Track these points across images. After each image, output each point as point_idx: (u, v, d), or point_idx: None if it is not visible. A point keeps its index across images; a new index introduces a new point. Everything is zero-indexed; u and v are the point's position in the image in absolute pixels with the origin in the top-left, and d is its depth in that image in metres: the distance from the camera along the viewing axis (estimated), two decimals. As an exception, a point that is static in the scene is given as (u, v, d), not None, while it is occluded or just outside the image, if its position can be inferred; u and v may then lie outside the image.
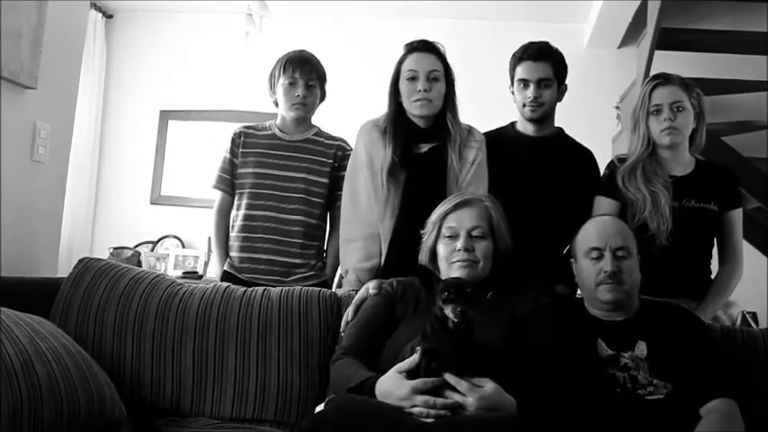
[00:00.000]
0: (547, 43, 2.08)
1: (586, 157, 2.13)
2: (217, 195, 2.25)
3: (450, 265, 1.59)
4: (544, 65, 2.03)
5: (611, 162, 2.05)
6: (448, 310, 1.34)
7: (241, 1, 3.82)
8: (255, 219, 2.12)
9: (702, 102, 1.99)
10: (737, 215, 1.98)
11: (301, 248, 2.13)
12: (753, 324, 3.23)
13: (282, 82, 2.14)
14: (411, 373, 1.35)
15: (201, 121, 4.32)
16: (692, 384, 1.47)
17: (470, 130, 1.98)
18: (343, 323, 1.73)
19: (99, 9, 4.38)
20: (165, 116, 4.48)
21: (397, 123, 1.91)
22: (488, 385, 1.31)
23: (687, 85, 1.97)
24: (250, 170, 2.15)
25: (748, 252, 2.30)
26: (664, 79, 1.98)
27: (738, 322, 3.27)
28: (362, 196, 1.93)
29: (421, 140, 1.91)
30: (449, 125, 1.90)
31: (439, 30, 4.31)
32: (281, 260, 2.11)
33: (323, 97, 2.25)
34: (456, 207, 1.64)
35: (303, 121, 2.20)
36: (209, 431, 1.59)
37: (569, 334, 1.56)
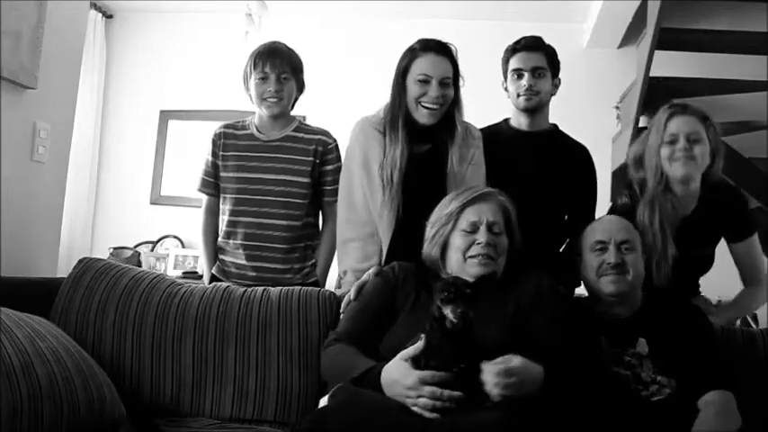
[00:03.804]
0: (539, 37, 2.09)
1: (581, 153, 2.13)
2: (203, 197, 2.21)
3: (467, 260, 1.56)
4: (537, 54, 2.04)
5: (628, 186, 1.97)
6: (447, 311, 1.32)
7: (241, 1, 3.82)
8: (237, 225, 2.08)
9: (719, 137, 1.88)
10: (752, 242, 1.94)
11: (285, 253, 2.07)
12: (753, 324, 3.23)
13: (254, 78, 2.05)
14: (415, 361, 1.33)
15: (201, 121, 4.32)
16: (693, 377, 1.47)
17: (468, 127, 1.95)
18: (343, 304, 1.73)
19: (99, 9, 4.38)
20: (165, 116, 4.48)
21: (404, 120, 1.85)
22: (515, 360, 1.29)
23: (705, 117, 1.87)
24: (230, 174, 2.09)
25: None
26: (681, 108, 1.87)
27: (738, 322, 3.26)
28: (358, 196, 1.88)
29: (420, 139, 1.88)
30: (456, 126, 1.87)
31: (439, 30, 4.30)
32: (266, 266, 2.07)
33: (301, 89, 2.15)
34: (475, 200, 1.60)
35: (281, 116, 2.11)
36: (209, 431, 1.59)
37: (572, 332, 1.56)
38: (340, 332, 1.59)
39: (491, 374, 1.28)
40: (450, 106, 1.86)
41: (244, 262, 2.08)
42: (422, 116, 1.83)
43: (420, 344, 1.34)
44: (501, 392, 1.27)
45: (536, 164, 2.03)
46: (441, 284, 1.37)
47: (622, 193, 1.98)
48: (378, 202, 1.83)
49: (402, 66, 1.86)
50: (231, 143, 2.12)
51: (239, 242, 2.08)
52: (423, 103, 1.82)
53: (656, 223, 1.81)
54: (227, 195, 2.11)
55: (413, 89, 1.83)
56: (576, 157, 2.11)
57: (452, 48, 1.86)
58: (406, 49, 1.88)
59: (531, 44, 2.06)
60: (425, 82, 1.81)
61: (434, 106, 1.81)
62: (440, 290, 1.36)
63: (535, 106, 2.05)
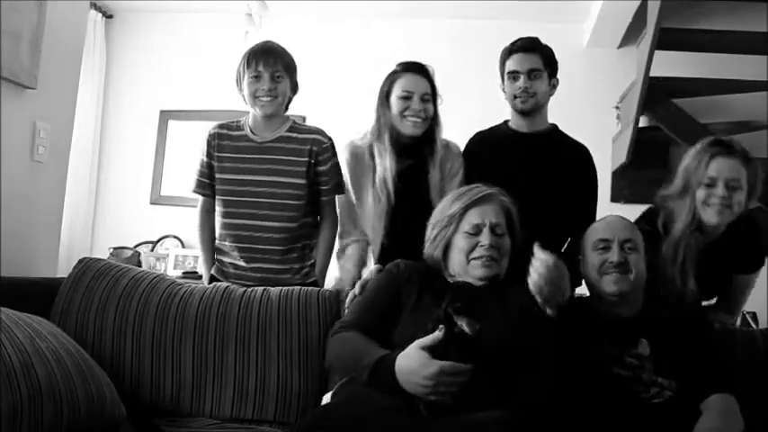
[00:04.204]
0: (536, 38, 2.09)
1: (581, 153, 2.13)
2: (198, 197, 2.20)
3: (471, 262, 1.56)
4: (533, 56, 2.04)
5: (653, 213, 1.90)
6: (462, 323, 1.32)
7: (241, 1, 3.82)
8: (233, 227, 2.07)
9: (759, 174, 1.78)
10: (752, 277, 1.93)
11: (282, 254, 2.07)
12: (753, 324, 3.23)
13: (247, 77, 2.03)
14: (432, 351, 1.32)
15: (201, 121, 4.30)
16: (694, 380, 1.47)
17: (448, 144, 2.09)
18: (348, 300, 1.74)
19: (99, 9, 4.38)
20: (165, 116, 4.48)
21: (390, 136, 2.01)
22: (551, 260, 1.46)
23: (749, 159, 1.76)
24: (225, 176, 2.08)
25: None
26: (725, 148, 1.76)
27: (738, 322, 3.27)
28: (354, 212, 2.07)
29: (403, 155, 2.03)
30: (436, 141, 2.03)
31: (439, 30, 4.34)
32: (264, 267, 2.06)
33: (294, 89, 2.14)
34: (478, 201, 1.60)
35: (275, 117, 2.09)
36: (209, 431, 1.59)
37: (573, 333, 1.56)
38: (346, 321, 1.58)
39: (541, 262, 1.46)
40: (431, 123, 2.02)
41: (241, 263, 2.08)
42: (407, 127, 1.99)
43: (438, 334, 1.32)
44: (540, 284, 1.46)
45: (535, 165, 2.04)
46: (453, 292, 1.37)
47: (641, 220, 1.88)
48: (369, 220, 2.02)
49: (385, 88, 2.04)
50: (226, 144, 2.11)
51: (236, 244, 2.07)
52: (407, 117, 1.99)
53: (678, 261, 1.78)
54: (223, 197, 2.10)
55: (396, 106, 2.00)
56: (576, 158, 2.11)
57: (429, 68, 2.04)
58: (387, 74, 2.06)
59: (527, 46, 2.05)
60: (407, 98, 1.99)
61: (418, 118, 1.98)
62: (453, 298, 1.35)
63: (532, 108, 2.06)
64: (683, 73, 3.50)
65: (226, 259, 2.12)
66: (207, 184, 2.15)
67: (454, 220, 1.60)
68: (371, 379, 1.36)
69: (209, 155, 2.12)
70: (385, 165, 1.98)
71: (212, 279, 2.13)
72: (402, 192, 1.99)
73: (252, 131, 2.11)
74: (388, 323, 1.53)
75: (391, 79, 2.03)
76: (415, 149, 2.03)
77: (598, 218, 1.83)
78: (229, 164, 2.09)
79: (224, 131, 2.12)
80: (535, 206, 1.95)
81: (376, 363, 1.37)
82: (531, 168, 2.03)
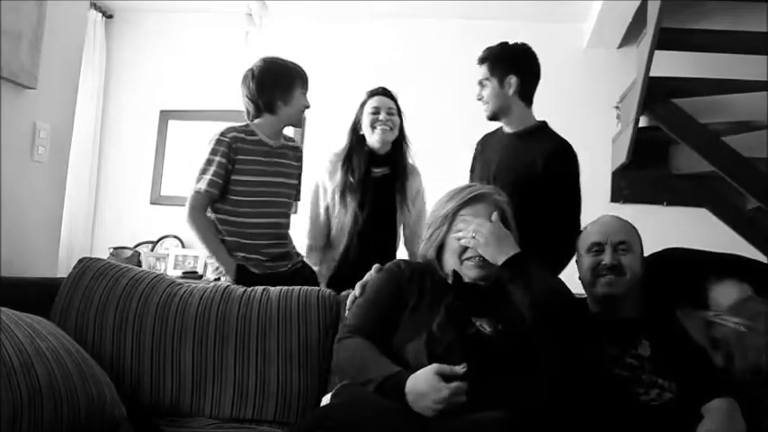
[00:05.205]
0: (492, 46, 2.13)
1: (560, 147, 2.05)
2: (193, 195, 2.20)
3: (464, 262, 1.55)
4: (480, 68, 2.12)
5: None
6: (483, 323, 1.32)
7: (241, 1, 3.82)
8: (258, 226, 2.25)
9: None
10: None
11: (285, 247, 2.35)
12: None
13: (302, 93, 2.33)
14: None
15: (201, 120, 4.32)
16: (694, 383, 1.47)
17: (413, 164, 2.54)
18: (349, 302, 1.73)
19: (99, 9, 4.38)
20: (165, 116, 4.48)
21: (355, 152, 2.43)
22: (487, 224, 1.52)
23: None
24: (249, 178, 2.22)
25: (749, 252, 2.30)
26: None
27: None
28: (322, 215, 2.48)
29: (377, 165, 2.43)
30: (404, 151, 2.48)
31: (439, 30, 4.35)
32: (276, 252, 2.29)
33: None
34: (470, 201, 1.59)
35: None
36: (208, 431, 1.59)
37: (573, 333, 1.56)
38: (352, 325, 1.55)
39: (474, 224, 1.53)
40: (399, 138, 2.44)
41: (259, 256, 2.24)
42: (378, 134, 2.38)
43: (459, 369, 1.31)
44: (472, 238, 1.51)
45: (511, 162, 2.07)
46: (466, 291, 1.37)
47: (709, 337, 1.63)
48: (338, 219, 2.43)
49: (358, 114, 2.46)
50: (246, 148, 2.24)
51: (257, 243, 2.24)
52: (376, 127, 2.39)
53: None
54: (241, 198, 2.21)
55: (367, 120, 2.41)
56: (550, 153, 2.01)
57: (392, 91, 2.49)
58: (359, 105, 2.48)
59: (479, 60, 2.12)
60: (376, 112, 2.41)
61: (386, 126, 2.39)
62: (468, 298, 1.36)
63: (491, 114, 2.12)
64: (683, 73, 3.50)
65: (249, 255, 2.24)
66: (221, 184, 2.20)
67: (447, 220, 1.59)
68: (378, 393, 1.35)
69: (227, 156, 2.19)
70: (340, 178, 2.42)
71: (239, 268, 2.21)
72: (377, 198, 2.40)
73: (266, 137, 2.30)
74: (392, 323, 1.52)
75: (365, 99, 2.45)
76: (388, 160, 2.43)
77: (594, 217, 1.79)
78: (255, 167, 2.24)
79: (241, 135, 2.26)
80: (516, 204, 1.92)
81: (384, 379, 1.36)
82: (507, 166, 2.07)
